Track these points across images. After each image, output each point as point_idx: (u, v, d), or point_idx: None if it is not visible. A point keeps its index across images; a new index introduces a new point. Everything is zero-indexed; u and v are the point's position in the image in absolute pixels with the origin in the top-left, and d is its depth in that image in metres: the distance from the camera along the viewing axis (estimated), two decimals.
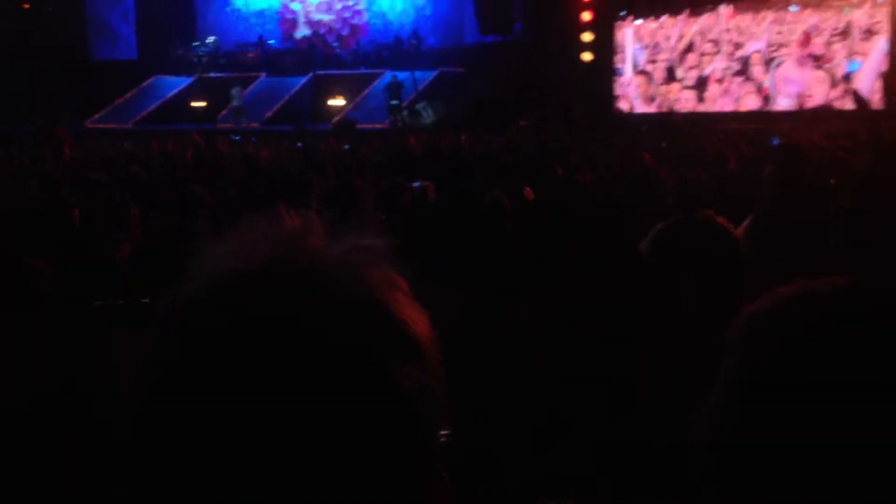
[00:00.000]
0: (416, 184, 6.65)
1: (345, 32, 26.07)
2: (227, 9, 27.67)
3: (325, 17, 26.24)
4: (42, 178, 6.47)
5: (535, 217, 5.90)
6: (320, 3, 26.30)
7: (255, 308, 0.65)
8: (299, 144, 13.90)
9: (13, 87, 23.23)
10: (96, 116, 23.63)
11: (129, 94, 24.79)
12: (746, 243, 5.00)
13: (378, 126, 19.80)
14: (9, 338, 2.35)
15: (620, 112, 20.39)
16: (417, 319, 0.70)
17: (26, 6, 25.53)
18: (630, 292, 2.74)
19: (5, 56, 23.55)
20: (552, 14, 20.05)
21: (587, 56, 19.83)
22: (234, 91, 22.50)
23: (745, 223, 5.32)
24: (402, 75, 21.28)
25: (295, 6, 26.69)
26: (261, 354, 0.64)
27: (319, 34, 26.05)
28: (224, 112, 22.78)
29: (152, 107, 24.01)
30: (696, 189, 6.34)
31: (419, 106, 20.47)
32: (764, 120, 16.80)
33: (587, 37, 19.79)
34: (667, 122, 17.23)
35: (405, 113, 20.41)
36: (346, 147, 12.72)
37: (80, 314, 3.23)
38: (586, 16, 19.73)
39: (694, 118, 18.03)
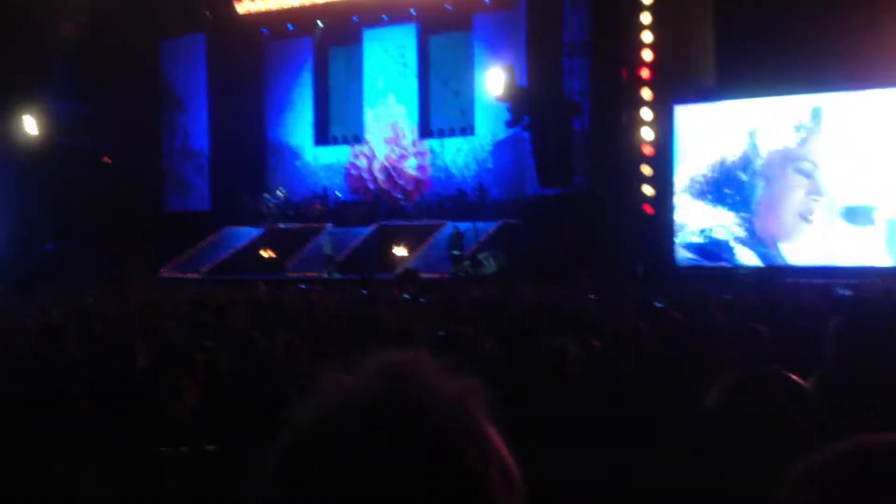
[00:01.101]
0: (474, 330, 6.63)
1: (409, 187, 26.88)
2: (297, 162, 28.85)
3: (391, 172, 27.14)
4: (106, 323, 6.62)
5: (602, 367, 5.81)
6: (386, 157, 27.28)
7: (371, 444, 0.68)
8: (364, 292, 14.06)
9: (90, 236, 24.28)
10: (169, 266, 24.41)
11: (200, 244, 25.65)
12: (816, 398, 4.81)
13: (441, 276, 20.03)
14: (64, 485, 2.34)
15: (683, 264, 20.24)
16: (511, 460, 0.73)
17: (106, 159, 26.99)
18: (697, 449, 2.64)
19: (84, 207, 24.74)
20: (613, 167, 20.41)
21: (649, 209, 20.01)
22: (324, 239, 22.71)
23: (813, 377, 5.13)
24: (463, 226, 21.69)
25: (361, 161, 27.71)
26: (377, 491, 0.66)
27: (384, 188, 26.89)
28: (293, 260, 23.32)
29: (223, 256, 24.74)
30: (762, 342, 6.19)
31: (481, 256, 20.73)
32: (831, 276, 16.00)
33: (648, 190, 20.03)
34: (732, 277, 17.06)
35: (467, 263, 20.66)
36: (407, 296, 12.83)
37: (137, 461, 3.22)
38: (646, 169, 20.03)
39: (764, 272, 17.83)
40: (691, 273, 19.05)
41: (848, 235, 18.58)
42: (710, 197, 20.20)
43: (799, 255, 19.11)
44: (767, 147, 19.57)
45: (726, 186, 20.02)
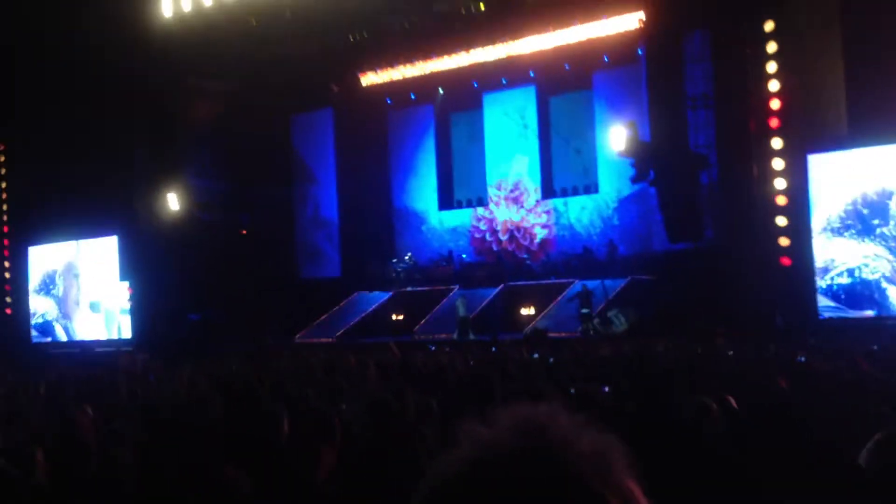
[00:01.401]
0: (605, 388, 6.53)
1: (534, 247, 26.88)
2: (423, 227, 29.35)
3: (515, 233, 27.25)
4: (246, 390, 6.83)
5: (747, 427, 5.58)
6: (509, 218, 27.42)
7: (509, 497, 0.68)
8: (493, 349, 14.07)
9: (231, 306, 25.32)
10: (303, 332, 25.10)
11: (333, 310, 26.30)
12: None
13: (569, 335, 19.81)
14: None
15: (825, 315, 19.29)
16: None
17: (243, 232, 28.22)
18: None
19: (224, 278, 25.87)
20: (745, 219, 19.85)
21: (786, 260, 19.28)
22: (459, 301, 22.78)
23: None
24: (591, 284, 21.45)
25: (484, 224, 27.96)
26: None
27: (508, 250, 26.97)
28: (422, 322, 23.59)
29: (354, 321, 25.26)
30: None
31: (611, 314, 20.40)
32: None
33: (784, 241, 19.32)
34: (878, 327, 16.19)
35: (597, 321, 20.36)
36: (535, 355, 12.74)
37: None
38: (781, 220, 19.37)
39: None
40: (834, 324, 18.15)
41: None
42: (854, 230, 19.04)
43: None
44: None
45: (873, 217, 18.95)
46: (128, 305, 27.45)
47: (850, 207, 19.10)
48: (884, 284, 18.75)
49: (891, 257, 18.73)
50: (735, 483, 4.53)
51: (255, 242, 28.09)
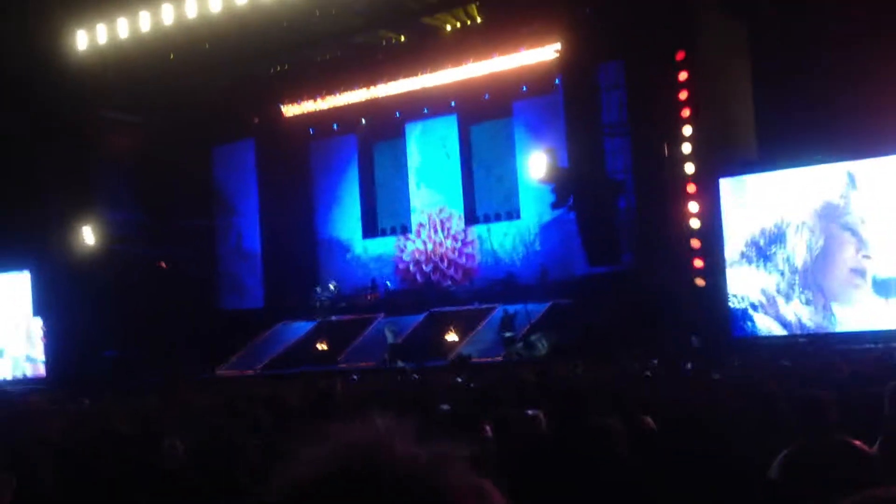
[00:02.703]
0: (529, 412, 6.59)
1: (458, 274, 27.04)
2: (347, 256, 29.24)
3: (438, 260, 27.37)
4: (144, 421, 6.72)
5: (651, 446, 5.71)
6: (433, 246, 27.54)
7: None
8: (415, 377, 14.09)
9: (148, 340, 24.76)
10: (224, 364, 24.68)
11: (255, 341, 25.93)
12: (881, 464, 4.67)
13: (493, 359, 19.93)
14: None
15: (738, 335, 19.85)
16: None
17: (162, 265, 27.71)
18: None
19: (141, 312, 25.31)
20: (661, 242, 20.33)
21: (700, 281, 19.79)
22: (387, 329, 22.75)
23: (878, 443, 4.99)
24: (514, 309, 21.65)
25: (408, 252, 28.02)
26: None
27: (432, 282, 27.04)
28: (346, 351, 23.44)
29: (277, 352, 24.95)
30: (824, 410, 6.04)
31: (533, 337, 20.62)
32: None
33: (698, 263, 19.85)
34: (789, 345, 16.73)
35: (520, 345, 20.55)
36: (459, 379, 12.80)
37: None
38: (695, 242, 19.91)
39: (820, 340, 17.47)
40: (748, 343, 18.70)
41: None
42: (758, 262, 19.88)
43: (852, 319, 18.66)
44: (812, 206, 19.33)
45: (772, 247, 19.74)
46: (41, 343, 26.60)
47: (755, 238, 19.85)
48: (782, 309, 19.48)
49: (789, 284, 19.48)
50: (647, 501, 4.63)
51: (174, 275, 27.59)
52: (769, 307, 19.69)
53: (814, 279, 19.17)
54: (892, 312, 18.03)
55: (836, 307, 18.83)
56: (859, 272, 18.65)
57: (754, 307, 19.81)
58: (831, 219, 19.04)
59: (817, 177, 19.26)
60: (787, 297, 19.49)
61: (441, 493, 0.68)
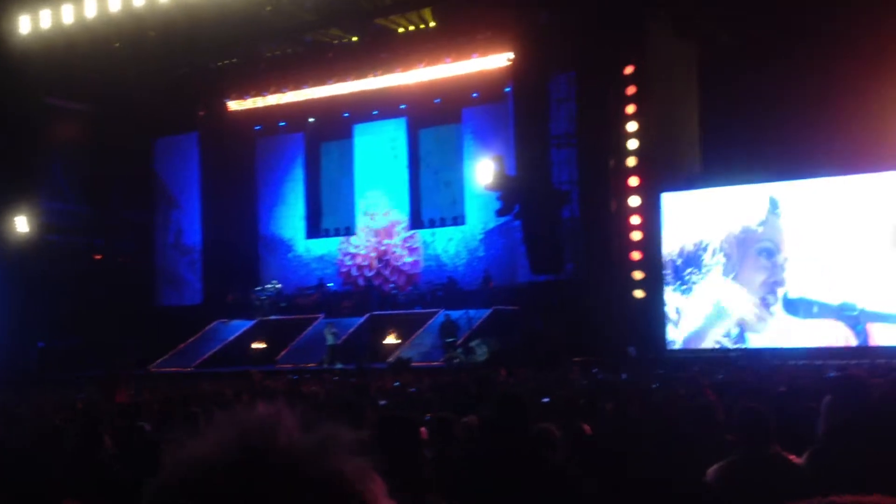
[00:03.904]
0: (465, 418, 6.57)
1: (401, 278, 26.97)
2: (289, 255, 28.98)
3: (381, 263, 27.27)
4: (80, 421, 6.55)
5: (589, 452, 5.73)
6: (377, 248, 27.44)
7: (225, 497, 0.65)
8: (352, 380, 13.99)
9: (82, 334, 24.18)
10: (159, 361, 24.23)
11: (192, 339, 25.52)
12: (807, 476, 4.75)
13: (433, 364, 19.92)
14: None
15: (673, 347, 20.18)
16: None
17: (98, 257, 27.10)
18: None
19: (76, 304, 24.72)
20: (603, 253, 20.55)
21: (639, 293, 20.05)
22: (327, 330, 22.58)
23: (806, 455, 5.07)
24: (455, 314, 21.67)
25: (352, 252, 27.87)
26: None
27: (374, 285, 26.92)
28: (285, 351, 23.20)
29: (213, 350, 24.59)
30: (761, 423, 6.12)
31: (473, 343, 20.66)
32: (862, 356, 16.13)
33: (638, 275, 20.11)
34: (722, 359, 17.03)
35: (460, 350, 20.57)
36: (397, 384, 12.74)
37: None
38: (635, 255, 20.17)
39: (752, 354, 17.83)
40: (683, 355, 19.02)
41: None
42: (674, 283, 20.36)
43: (763, 338, 19.21)
44: (731, 230, 19.85)
45: (687, 269, 20.22)
46: None
47: (679, 258, 20.30)
48: (709, 327, 19.95)
49: (711, 304, 19.96)
50: None
51: (110, 268, 27.03)
52: (688, 326, 20.15)
53: (729, 302, 19.67)
54: (803, 331, 18.61)
55: (748, 334, 19.36)
56: (773, 294, 19.20)
57: (676, 324, 20.27)
58: (748, 244, 19.58)
59: (754, 197, 19.75)
60: (705, 319, 19.94)
61: (327, 475, 0.68)
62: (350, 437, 0.71)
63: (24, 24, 24.38)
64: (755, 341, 19.16)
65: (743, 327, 19.49)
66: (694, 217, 20.36)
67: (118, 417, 8.28)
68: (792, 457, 4.87)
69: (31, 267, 24.51)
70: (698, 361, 16.54)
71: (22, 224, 24.97)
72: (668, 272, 20.34)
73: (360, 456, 0.71)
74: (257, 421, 0.71)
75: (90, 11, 23.60)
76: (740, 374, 12.28)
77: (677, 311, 20.25)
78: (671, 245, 20.42)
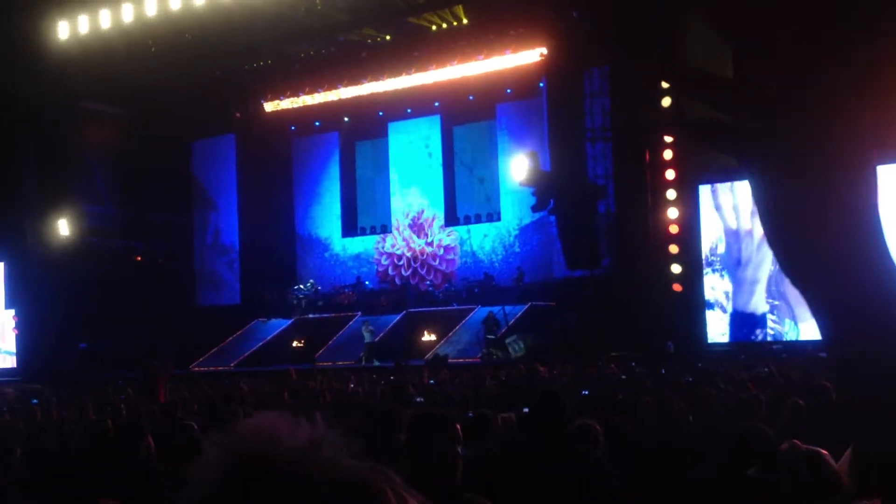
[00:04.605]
0: (503, 415, 6.56)
1: (437, 276, 26.98)
2: (326, 254, 29.14)
3: (419, 269, 27.29)
4: (122, 421, 6.62)
5: (629, 446, 5.69)
6: (413, 245, 27.48)
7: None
8: (392, 378, 14.02)
9: (122, 335, 24.51)
10: (200, 360, 24.49)
11: (231, 338, 25.76)
12: (847, 476, 4.67)
13: (469, 360, 19.90)
14: None
15: (714, 340, 19.96)
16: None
17: (138, 259, 27.46)
18: None
19: (117, 306, 25.06)
20: (640, 248, 20.38)
21: (677, 287, 19.87)
22: (364, 328, 22.58)
23: (846, 455, 4.99)
24: (492, 310, 21.64)
25: (388, 250, 27.93)
26: None
27: (412, 283, 26.95)
28: (323, 349, 23.32)
29: (253, 349, 24.79)
30: (801, 418, 6.04)
31: (509, 340, 20.60)
32: None
33: (676, 269, 19.93)
34: (763, 352, 16.81)
35: (501, 344, 20.53)
36: (432, 381, 12.75)
37: None
38: (673, 248, 19.98)
39: (793, 347, 17.58)
40: (723, 349, 18.81)
41: None
42: (721, 270, 20.11)
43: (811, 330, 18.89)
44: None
45: (730, 260, 20.03)
46: (13, 335, 26.29)
47: (724, 248, 20.07)
48: (759, 315, 19.64)
49: (759, 295, 19.66)
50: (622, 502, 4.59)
51: (150, 269, 27.37)
52: (742, 314, 19.89)
53: (777, 289, 19.35)
54: None
55: (798, 325, 19.08)
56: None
57: (724, 311, 20.04)
58: None
59: None
60: (754, 306, 19.68)
61: (335, 483, 0.68)
62: (341, 440, 0.70)
63: (63, 30, 24.76)
64: (804, 333, 18.82)
65: (789, 319, 19.16)
66: (738, 209, 20.06)
67: (160, 416, 8.38)
68: (826, 454, 4.79)
69: (73, 269, 24.90)
70: (739, 354, 16.37)
71: (64, 227, 25.39)
72: (715, 260, 20.07)
73: (359, 457, 0.70)
74: (248, 435, 0.70)
75: (127, 16, 23.92)
76: (784, 367, 12.11)
77: (719, 304, 20.01)
78: (710, 237, 20.19)
